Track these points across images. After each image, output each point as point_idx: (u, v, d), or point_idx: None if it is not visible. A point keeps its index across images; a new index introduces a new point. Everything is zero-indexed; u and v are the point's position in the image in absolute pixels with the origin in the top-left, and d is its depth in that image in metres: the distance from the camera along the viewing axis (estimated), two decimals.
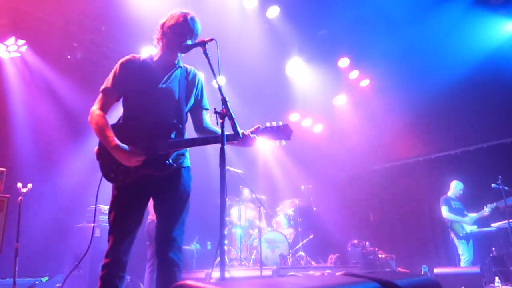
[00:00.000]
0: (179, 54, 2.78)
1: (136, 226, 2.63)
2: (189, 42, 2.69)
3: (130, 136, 2.57)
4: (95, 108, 2.66)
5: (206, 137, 2.63)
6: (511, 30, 7.68)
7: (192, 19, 2.73)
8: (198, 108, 2.91)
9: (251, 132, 2.62)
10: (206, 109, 2.95)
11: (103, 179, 2.62)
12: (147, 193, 2.66)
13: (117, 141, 2.50)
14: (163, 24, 2.76)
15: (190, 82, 2.86)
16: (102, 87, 2.73)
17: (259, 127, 2.66)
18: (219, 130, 2.79)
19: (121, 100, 2.79)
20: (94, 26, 6.92)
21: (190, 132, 2.86)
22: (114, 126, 2.62)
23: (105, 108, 2.69)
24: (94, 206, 5.87)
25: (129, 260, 2.57)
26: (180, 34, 2.68)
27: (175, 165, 2.62)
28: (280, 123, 2.66)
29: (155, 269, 2.61)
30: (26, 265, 5.90)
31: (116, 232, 2.55)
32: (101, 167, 2.64)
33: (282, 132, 2.64)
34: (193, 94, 2.87)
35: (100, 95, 2.73)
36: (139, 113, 2.66)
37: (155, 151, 2.56)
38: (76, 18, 6.54)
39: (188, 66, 2.92)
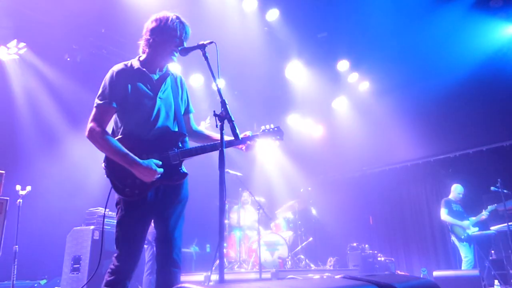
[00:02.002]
0: (174, 58, 2.67)
1: (145, 239, 2.61)
2: (184, 45, 2.66)
3: (140, 150, 2.51)
4: (95, 126, 2.49)
5: (215, 144, 2.62)
6: (510, 32, 7.70)
7: (185, 22, 2.68)
8: (186, 113, 2.89)
9: (248, 137, 2.76)
10: (192, 113, 2.95)
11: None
12: (155, 206, 2.58)
13: (137, 158, 2.43)
14: (154, 28, 2.62)
15: (179, 88, 2.83)
16: (99, 102, 2.54)
17: (250, 135, 2.82)
18: (212, 133, 2.86)
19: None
20: (93, 28, 6.94)
21: None
22: (119, 142, 2.52)
23: (105, 124, 2.54)
24: (92, 208, 5.90)
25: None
26: (176, 37, 2.62)
27: (187, 172, 2.63)
28: (272, 126, 2.88)
29: (153, 271, 2.60)
30: (25, 267, 5.89)
31: (129, 252, 2.48)
32: (114, 183, 2.52)
33: (276, 134, 2.88)
34: (183, 100, 2.86)
35: (98, 110, 2.54)
36: (142, 126, 2.57)
37: (168, 162, 2.55)
38: (76, 20, 6.55)
39: (172, 71, 2.83)
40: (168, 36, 2.61)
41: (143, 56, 2.71)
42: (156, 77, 2.69)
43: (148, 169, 2.43)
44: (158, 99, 2.63)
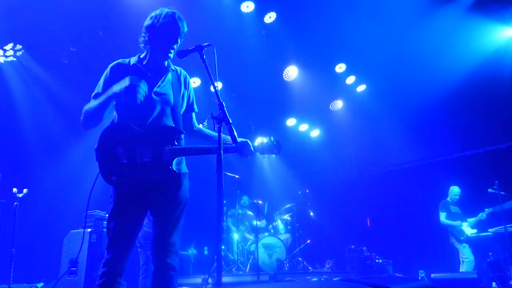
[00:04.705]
0: (171, 55, 2.70)
1: (137, 234, 2.60)
2: (179, 42, 2.70)
3: (134, 141, 2.52)
4: (85, 106, 2.68)
5: (210, 148, 2.60)
6: (507, 35, 7.73)
7: (180, 17, 2.69)
8: (189, 111, 2.90)
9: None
10: (196, 112, 2.94)
11: (96, 183, 2.59)
12: (148, 202, 2.59)
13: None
14: (149, 26, 2.68)
15: (181, 85, 2.83)
16: (93, 94, 2.67)
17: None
18: (213, 133, 2.83)
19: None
20: (91, 31, 6.92)
21: None
22: (113, 127, 2.57)
23: None
24: (91, 211, 5.87)
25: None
26: (170, 34, 2.64)
27: (177, 171, 2.60)
28: (272, 138, 2.86)
29: (149, 275, 2.59)
30: (22, 270, 5.86)
31: (117, 242, 2.49)
32: (102, 168, 2.53)
33: (274, 148, 2.85)
34: (185, 97, 2.86)
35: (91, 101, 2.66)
36: (135, 119, 2.59)
37: (160, 157, 2.53)
38: (73, 23, 6.54)
39: (177, 68, 2.86)
40: (162, 33, 2.65)
41: (143, 53, 2.80)
42: (153, 72, 2.71)
43: (125, 81, 2.55)
44: (152, 95, 2.65)
